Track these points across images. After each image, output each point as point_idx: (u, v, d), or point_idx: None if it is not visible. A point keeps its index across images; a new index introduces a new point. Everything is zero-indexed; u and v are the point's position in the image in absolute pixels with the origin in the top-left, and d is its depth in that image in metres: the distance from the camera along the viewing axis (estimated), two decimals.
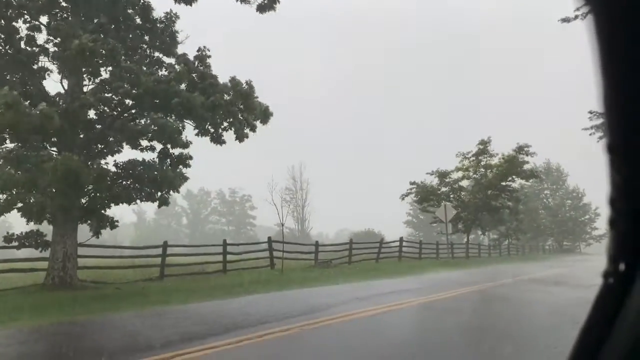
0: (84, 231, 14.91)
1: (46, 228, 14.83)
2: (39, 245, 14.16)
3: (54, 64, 14.95)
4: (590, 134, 27.54)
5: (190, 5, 16.01)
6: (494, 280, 16.67)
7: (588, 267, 25.82)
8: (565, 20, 22.47)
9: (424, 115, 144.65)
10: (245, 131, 15.60)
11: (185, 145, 15.68)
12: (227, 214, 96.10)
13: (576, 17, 22.02)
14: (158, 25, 16.20)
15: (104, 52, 12.99)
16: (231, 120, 15.25)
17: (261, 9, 16.03)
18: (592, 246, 71.49)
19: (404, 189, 40.62)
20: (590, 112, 26.58)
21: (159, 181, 15.30)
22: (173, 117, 14.95)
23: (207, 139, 15.60)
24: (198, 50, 15.68)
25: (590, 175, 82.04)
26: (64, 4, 14.72)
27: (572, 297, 11.37)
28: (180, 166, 15.98)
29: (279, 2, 15.99)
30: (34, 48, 14.82)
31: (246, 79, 15.43)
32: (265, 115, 15.59)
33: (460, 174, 41.17)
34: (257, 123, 15.76)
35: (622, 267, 0.81)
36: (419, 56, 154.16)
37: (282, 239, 22.50)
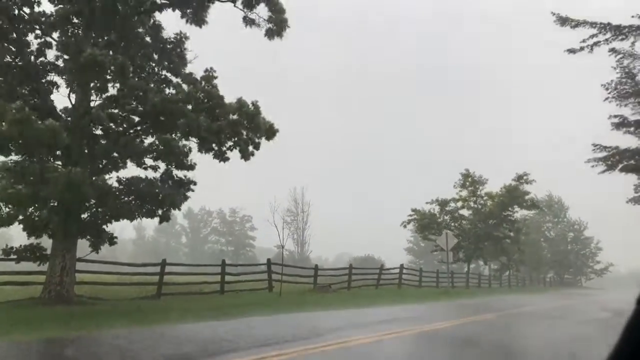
0: (82, 246, 14.85)
1: (46, 242, 14.78)
2: (37, 258, 14.11)
3: (62, 78, 15.10)
4: (592, 166, 27.57)
5: (200, 27, 16.24)
6: (495, 311, 16.48)
7: (589, 301, 25.56)
8: (572, 51, 22.64)
9: (427, 140, 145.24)
10: (250, 149, 15.64)
11: (191, 167, 15.73)
12: (226, 234, 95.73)
13: (582, 48, 22.22)
14: (168, 45, 16.41)
15: (113, 67, 13.10)
16: (236, 139, 15.31)
17: (269, 34, 16.22)
18: (593, 280, 70.89)
19: (405, 216, 40.56)
20: (594, 145, 26.65)
21: (161, 199, 15.30)
22: (178, 135, 15.01)
23: (210, 156, 15.65)
24: (205, 71, 15.82)
25: (593, 210, 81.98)
26: (75, 20, 14.91)
27: (572, 332, 11.23)
28: (182, 189, 16.03)
29: (285, 30, 16.20)
30: (44, 62, 14.99)
31: (252, 99, 15.54)
32: (270, 132, 15.62)
33: (459, 203, 41.19)
34: (262, 140, 15.79)
35: None
36: (422, 83, 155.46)
37: (282, 261, 22.37)
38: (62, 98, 15.04)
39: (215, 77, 15.83)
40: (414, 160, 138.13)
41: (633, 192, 49.49)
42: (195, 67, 16.56)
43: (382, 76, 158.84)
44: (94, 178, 13.63)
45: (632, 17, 20.75)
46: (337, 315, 13.17)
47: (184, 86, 15.13)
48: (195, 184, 16.25)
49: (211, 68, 15.87)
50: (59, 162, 14.35)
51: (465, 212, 41.90)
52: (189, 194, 16.20)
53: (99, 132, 15.25)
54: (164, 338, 8.64)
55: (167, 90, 15.89)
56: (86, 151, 14.68)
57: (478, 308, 17.41)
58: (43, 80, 14.97)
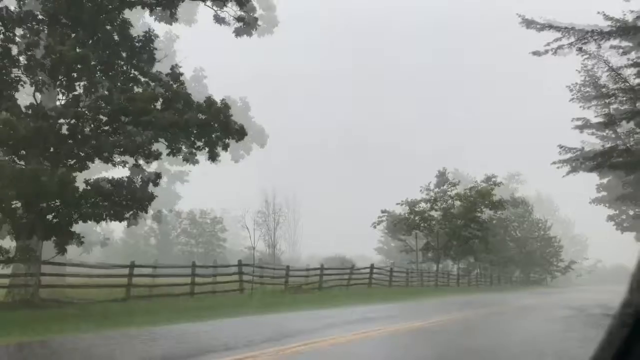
0: (48, 248, 14.48)
1: (8, 243, 14.37)
2: (0, 261, 13.69)
3: (27, 76, 14.70)
4: (558, 168, 28.27)
5: (170, 24, 16.05)
6: (465, 310, 16.72)
7: (558, 299, 26.18)
8: (536, 53, 23.21)
9: (399, 138, 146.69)
10: (217, 150, 15.51)
11: (156, 156, 15.51)
12: (197, 236, 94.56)
13: (546, 51, 22.79)
14: (137, 43, 16.14)
15: (78, 64, 12.76)
16: (206, 139, 15.17)
17: (239, 32, 16.16)
18: (558, 279, 72.63)
19: (375, 216, 40.86)
20: (560, 147, 27.31)
21: (129, 201, 15.04)
22: (146, 134, 14.78)
23: (179, 158, 15.48)
24: (171, 69, 15.64)
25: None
26: (41, 17, 14.54)
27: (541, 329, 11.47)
28: (151, 184, 15.77)
29: (255, 30, 16.17)
30: (6, 60, 14.56)
31: (221, 97, 15.43)
32: (239, 134, 15.54)
33: (428, 205, 41.74)
34: (231, 141, 15.69)
35: None
36: (402, 83, 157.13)
37: (253, 262, 22.24)
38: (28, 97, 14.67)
39: (181, 74, 15.66)
40: (383, 161, 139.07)
41: (595, 192, 51.09)
42: (165, 67, 16.27)
43: (366, 75, 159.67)
44: (58, 173, 13.21)
45: (598, 13, 21.29)
46: (309, 316, 13.15)
47: (152, 84, 14.92)
48: (160, 177, 15.98)
49: (176, 65, 15.72)
50: (22, 163, 13.97)
51: (434, 213, 42.45)
52: (156, 192, 15.95)
53: (65, 131, 14.89)
54: (131, 341, 8.48)
55: (135, 89, 15.64)
56: (51, 150, 14.31)
57: (447, 307, 17.63)
58: (6, 78, 14.53)
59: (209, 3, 16.04)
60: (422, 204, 41.50)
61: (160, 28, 16.30)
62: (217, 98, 15.27)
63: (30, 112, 14.55)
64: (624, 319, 0.83)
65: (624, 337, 0.81)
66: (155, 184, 15.94)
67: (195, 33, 16.18)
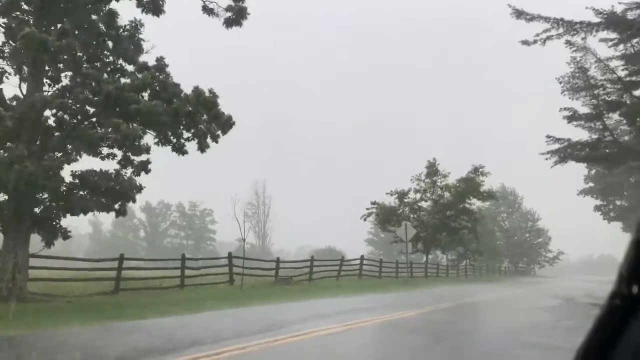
0: (35, 241, 14.34)
1: None
2: None
3: (12, 67, 14.49)
4: (547, 159, 28.40)
5: (158, 16, 15.83)
6: (454, 300, 16.83)
7: (542, 289, 26.42)
8: (525, 43, 23.27)
9: (386, 131, 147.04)
10: (207, 141, 15.40)
11: (146, 150, 15.39)
12: (186, 228, 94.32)
13: (535, 41, 22.85)
14: (123, 33, 15.91)
15: (53, 49, 12.49)
16: (194, 130, 15.04)
17: (228, 23, 16.01)
18: (545, 269, 73.46)
19: (365, 207, 40.87)
20: (548, 137, 27.42)
21: (116, 192, 14.93)
22: (134, 126, 14.63)
23: (169, 149, 15.33)
24: (156, 60, 15.47)
25: (545, 200, 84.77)
26: (25, 6, 14.31)
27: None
28: (142, 172, 15.65)
29: (245, 18, 16.02)
30: None
31: (209, 87, 15.26)
32: (227, 124, 15.42)
33: (417, 195, 41.82)
34: (219, 133, 15.58)
35: (635, 289, 0.78)
36: (384, 70, 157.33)
37: (243, 254, 22.20)
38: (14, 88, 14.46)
39: (167, 65, 15.51)
40: (373, 152, 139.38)
41: (584, 183, 51.52)
42: (153, 58, 16.10)
43: (352, 69, 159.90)
44: (44, 161, 13.02)
45: (586, 8, 21.38)
46: (299, 307, 13.17)
47: (139, 75, 14.74)
48: (150, 162, 15.84)
49: (161, 57, 15.56)
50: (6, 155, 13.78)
51: (424, 204, 42.56)
52: (147, 185, 15.85)
53: (52, 123, 14.72)
54: (120, 334, 8.44)
55: (122, 80, 15.45)
56: (37, 143, 14.13)
57: (437, 297, 17.73)
58: None
59: None
60: (412, 195, 41.59)
61: (125, 17, 15.99)
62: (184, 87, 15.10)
63: (14, 103, 14.37)
64: (612, 309, 0.82)
65: (612, 329, 0.80)
66: (147, 172, 15.83)
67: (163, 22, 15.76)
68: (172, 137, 15.00)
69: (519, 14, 22.36)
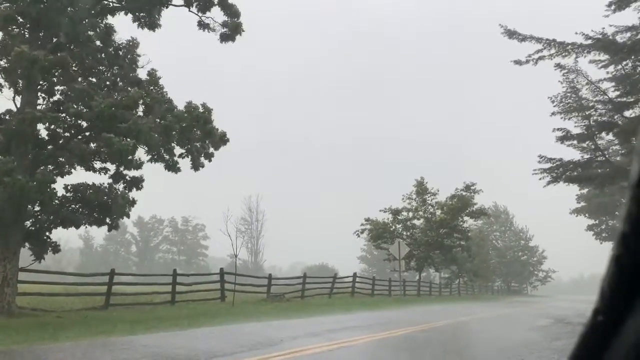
0: (25, 255, 14.21)
1: None
2: None
3: (6, 81, 14.48)
4: (540, 178, 28.54)
5: (154, 30, 15.92)
6: (446, 318, 16.77)
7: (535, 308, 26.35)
8: (517, 62, 23.54)
9: (380, 148, 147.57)
10: (201, 160, 15.39)
11: (138, 166, 15.35)
12: (178, 243, 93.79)
13: (527, 61, 23.12)
14: (120, 50, 15.96)
15: (45, 62, 12.50)
16: (188, 147, 15.03)
17: (224, 38, 16.12)
18: (537, 288, 73.44)
19: (358, 224, 40.85)
20: (540, 157, 27.61)
21: (108, 206, 14.84)
22: (127, 140, 14.60)
23: (162, 166, 15.29)
24: (148, 75, 15.48)
25: (536, 220, 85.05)
26: (21, 20, 14.34)
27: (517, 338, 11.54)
28: (134, 188, 15.57)
29: (240, 34, 16.14)
30: None
31: (202, 102, 15.26)
32: (222, 141, 15.42)
33: (410, 214, 41.88)
34: (212, 150, 15.57)
35: (615, 305, 0.79)
36: (377, 84, 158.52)
37: (235, 270, 22.07)
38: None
39: (159, 78, 15.51)
40: (366, 168, 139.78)
41: (575, 202, 51.74)
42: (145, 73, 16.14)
43: (341, 81, 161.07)
44: (36, 174, 12.95)
45: (576, 33, 21.71)
46: (290, 325, 13.07)
47: (130, 90, 14.76)
48: (143, 180, 15.76)
49: (153, 69, 15.59)
50: None
51: (417, 222, 42.61)
52: (139, 200, 15.78)
53: (45, 136, 14.67)
54: (108, 350, 8.33)
55: (115, 96, 15.46)
56: (30, 156, 14.07)
57: (429, 316, 17.66)
58: None
59: (193, 9, 15.97)
60: (405, 213, 41.65)
61: (122, 33, 16.05)
62: (177, 103, 15.12)
63: (7, 117, 14.33)
64: (595, 326, 0.82)
65: (596, 345, 0.81)
66: (138, 188, 15.75)
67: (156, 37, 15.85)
68: (164, 154, 14.97)
69: (511, 34, 22.64)
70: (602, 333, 0.80)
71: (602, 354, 0.79)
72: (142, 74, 16.08)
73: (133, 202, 15.58)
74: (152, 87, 14.99)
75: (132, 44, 16.08)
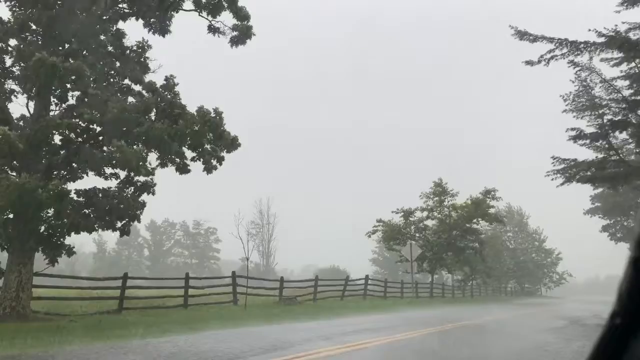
0: (39, 260, 14.34)
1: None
2: None
3: (20, 87, 14.64)
4: (552, 179, 28.25)
5: (164, 36, 16.03)
6: (459, 321, 16.66)
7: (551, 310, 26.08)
8: (529, 63, 23.33)
9: (393, 150, 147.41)
10: (213, 162, 15.43)
11: (149, 172, 15.43)
12: (190, 247, 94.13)
13: (539, 61, 22.92)
14: (130, 54, 16.09)
15: (71, 75, 12.69)
16: (200, 150, 15.09)
17: (234, 42, 16.19)
18: (552, 289, 72.67)
19: (370, 226, 40.77)
20: (553, 158, 27.33)
21: (121, 210, 14.92)
22: (139, 146, 14.69)
23: (173, 168, 15.35)
24: (165, 80, 15.57)
25: (551, 221, 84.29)
26: (34, 27, 14.50)
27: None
28: (146, 193, 15.64)
29: (250, 38, 16.20)
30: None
31: (214, 106, 15.30)
32: (233, 145, 15.45)
33: (424, 213, 41.71)
34: (224, 153, 15.61)
35: (633, 308, 0.77)
36: (390, 85, 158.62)
37: (247, 273, 22.10)
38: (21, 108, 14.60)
39: (177, 84, 15.58)
40: (380, 171, 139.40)
41: (590, 203, 51.21)
42: (159, 77, 16.24)
43: (356, 75, 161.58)
44: (50, 185, 13.11)
45: (589, 30, 21.46)
46: (303, 327, 13.05)
47: (145, 95, 14.86)
48: (155, 185, 15.80)
49: (171, 75, 15.65)
50: (14, 174, 13.85)
51: (429, 223, 42.43)
52: (151, 204, 15.83)
53: (58, 142, 14.80)
54: (124, 354, 8.37)
55: (129, 100, 15.57)
56: (44, 161, 14.21)
57: (442, 318, 17.54)
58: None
59: (204, 14, 16.06)
60: (418, 213, 41.49)
61: (133, 39, 16.14)
62: (190, 108, 15.17)
63: (22, 124, 14.48)
64: (613, 328, 0.80)
65: (614, 348, 0.79)
66: (150, 193, 15.82)
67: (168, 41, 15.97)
68: (175, 158, 15.04)
69: (522, 35, 22.45)
70: (620, 336, 0.79)
71: (620, 356, 0.77)
72: (154, 77, 16.19)
73: (143, 205, 15.61)
74: (167, 92, 15.05)
75: (143, 48, 16.16)
